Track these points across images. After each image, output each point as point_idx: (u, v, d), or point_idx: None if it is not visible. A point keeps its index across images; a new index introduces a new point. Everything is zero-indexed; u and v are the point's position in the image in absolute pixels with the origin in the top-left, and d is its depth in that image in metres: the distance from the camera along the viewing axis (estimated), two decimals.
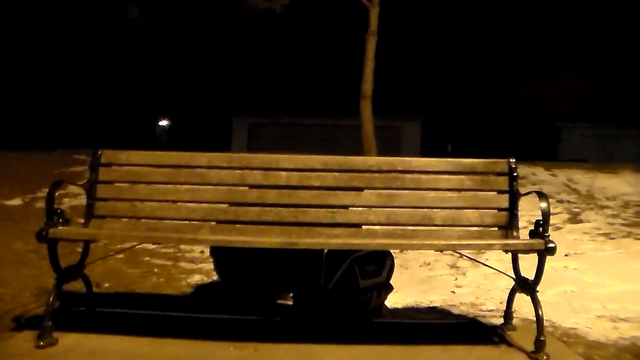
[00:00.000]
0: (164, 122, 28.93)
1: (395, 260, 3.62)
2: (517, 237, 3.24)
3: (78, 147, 12.99)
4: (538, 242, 2.95)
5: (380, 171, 3.37)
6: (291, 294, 3.69)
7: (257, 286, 3.57)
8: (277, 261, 3.40)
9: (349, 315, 3.45)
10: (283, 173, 3.36)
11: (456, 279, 4.81)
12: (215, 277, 4.51)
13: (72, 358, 2.76)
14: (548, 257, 2.96)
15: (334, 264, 3.41)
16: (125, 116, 23.42)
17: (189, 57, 24.37)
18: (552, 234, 3.00)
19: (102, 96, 23.19)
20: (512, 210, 3.28)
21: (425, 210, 3.32)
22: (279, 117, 25.02)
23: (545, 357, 2.89)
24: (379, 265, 3.49)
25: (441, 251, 5.33)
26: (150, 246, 5.43)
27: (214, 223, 3.32)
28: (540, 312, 2.96)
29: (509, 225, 3.27)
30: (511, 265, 3.32)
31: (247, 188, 3.38)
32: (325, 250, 3.42)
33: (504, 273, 3.50)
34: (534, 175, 10.09)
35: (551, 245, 2.91)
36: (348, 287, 3.40)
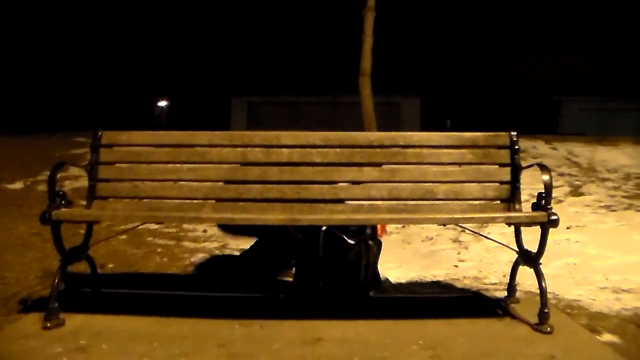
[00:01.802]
0: (162, 103, 28.75)
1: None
2: (520, 210, 3.24)
3: (77, 130, 12.93)
4: (541, 215, 2.95)
5: (382, 146, 3.36)
6: (292, 270, 3.72)
7: (261, 259, 3.60)
8: (278, 235, 3.43)
9: (344, 276, 3.46)
10: (284, 150, 3.36)
11: (459, 253, 4.82)
12: (218, 255, 4.55)
13: (79, 339, 2.78)
14: (550, 230, 2.97)
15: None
16: (123, 97, 23.30)
17: (187, 37, 24.19)
18: (554, 207, 3.00)
19: (100, 78, 23.05)
20: (514, 183, 3.28)
21: (427, 184, 3.32)
22: (278, 96, 24.88)
23: (549, 329, 2.91)
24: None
25: (444, 225, 5.32)
26: (153, 226, 5.43)
27: (215, 201, 3.33)
28: (543, 284, 2.98)
29: (512, 198, 3.27)
30: (513, 238, 3.33)
31: (248, 166, 3.38)
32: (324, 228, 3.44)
33: (506, 246, 3.51)
34: (534, 148, 10.06)
35: (554, 217, 2.91)
36: (337, 247, 3.43)
